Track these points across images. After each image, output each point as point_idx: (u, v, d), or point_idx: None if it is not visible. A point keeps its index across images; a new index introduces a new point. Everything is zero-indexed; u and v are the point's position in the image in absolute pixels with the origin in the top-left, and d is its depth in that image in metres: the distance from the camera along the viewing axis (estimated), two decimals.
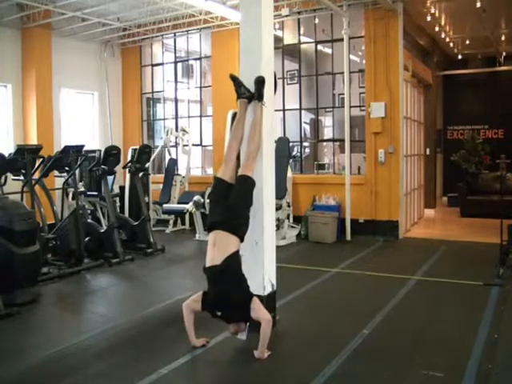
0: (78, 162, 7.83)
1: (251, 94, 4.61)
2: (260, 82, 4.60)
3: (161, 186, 10.72)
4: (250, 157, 4.52)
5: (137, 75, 11.99)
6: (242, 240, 4.32)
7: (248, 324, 4.31)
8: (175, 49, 11.70)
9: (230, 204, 4.33)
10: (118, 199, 10.10)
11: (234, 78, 4.67)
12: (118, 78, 11.94)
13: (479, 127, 14.35)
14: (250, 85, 4.63)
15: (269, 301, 4.67)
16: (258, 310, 4.12)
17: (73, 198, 8.50)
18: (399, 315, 5.15)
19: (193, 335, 4.30)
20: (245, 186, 4.44)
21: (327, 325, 4.93)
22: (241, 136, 4.63)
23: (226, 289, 4.13)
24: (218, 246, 4.18)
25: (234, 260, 4.19)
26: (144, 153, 8.76)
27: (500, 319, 4.94)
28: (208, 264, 4.20)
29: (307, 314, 5.31)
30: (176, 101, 11.80)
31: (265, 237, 4.68)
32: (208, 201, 4.65)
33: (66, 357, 4.22)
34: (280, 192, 8.36)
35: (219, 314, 4.16)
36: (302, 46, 10.32)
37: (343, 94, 9.56)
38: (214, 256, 4.17)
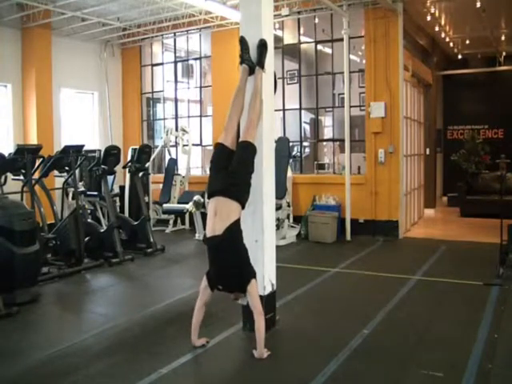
0: (78, 162, 7.83)
1: (253, 64, 4.58)
2: (262, 45, 4.57)
3: (161, 185, 10.72)
4: (251, 124, 4.45)
5: (137, 75, 11.98)
6: (243, 207, 4.25)
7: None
8: (175, 49, 11.70)
9: (230, 170, 4.26)
10: (117, 199, 10.11)
11: (243, 42, 4.61)
12: (117, 78, 11.94)
13: (479, 127, 14.35)
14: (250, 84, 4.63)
15: (269, 301, 4.66)
16: (252, 297, 4.09)
17: (73, 198, 8.50)
18: (399, 315, 5.15)
19: (196, 333, 4.29)
20: (246, 151, 4.37)
21: (327, 324, 4.93)
22: (241, 104, 4.56)
23: (226, 258, 4.10)
24: (219, 215, 4.11)
25: (234, 230, 4.13)
26: (144, 153, 8.76)
27: (500, 319, 4.94)
28: (209, 234, 4.14)
29: (307, 313, 5.31)
30: (176, 101, 11.80)
31: (265, 236, 4.67)
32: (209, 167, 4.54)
33: (66, 356, 4.22)
34: (280, 192, 8.36)
35: (220, 287, 4.16)
36: (302, 46, 10.32)
37: (343, 93, 9.56)
38: (215, 225, 4.10)
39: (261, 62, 4.58)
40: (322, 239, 8.92)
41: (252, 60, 4.60)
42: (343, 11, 9.00)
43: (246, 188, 4.32)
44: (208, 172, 4.66)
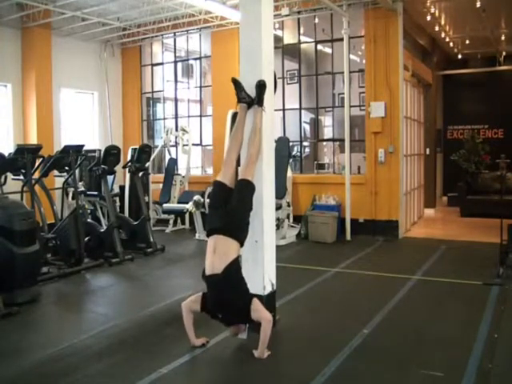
0: (78, 162, 7.83)
1: (251, 100, 4.60)
2: (261, 86, 4.58)
3: (161, 185, 10.72)
4: (250, 161, 4.49)
5: (137, 75, 11.98)
6: (241, 245, 4.31)
7: (247, 325, 4.32)
8: (175, 48, 11.70)
9: (229, 208, 4.29)
10: (117, 199, 10.10)
11: (236, 82, 4.63)
12: (117, 78, 11.94)
13: (479, 127, 14.35)
14: (249, 85, 4.62)
15: (269, 300, 4.66)
16: (259, 311, 4.12)
17: (73, 198, 8.50)
18: (399, 315, 5.15)
19: (192, 335, 4.31)
20: (245, 190, 4.40)
21: (327, 324, 4.93)
22: (240, 140, 4.61)
23: (227, 296, 4.12)
24: (217, 252, 4.14)
25: (234, 268, 4.15)
26: (144, 152, 8.75)
27: (500, 319, 4.93)
28: (208, 272, 4.16)
29: (307, 313, 5.31)
30: (176, 100, 11.80)
31: (265, 236, 4.67)
32: (207, 203, 4.56)
33: (66, 356, 4.22)
34: (280, 192, 8.36)
35: (220, 316, 4.19)
36: (302, 46, 10.32)
37: (343, 93, 9.56)
38: (214, 263, 4.13)
39: (260, 101, 4.59)
40: (321, 239, 8.92)
41: (249, 95, 4.60)
42: (343, 11, 9.00)
43: (245, 226, 4.35)
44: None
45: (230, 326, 4.32)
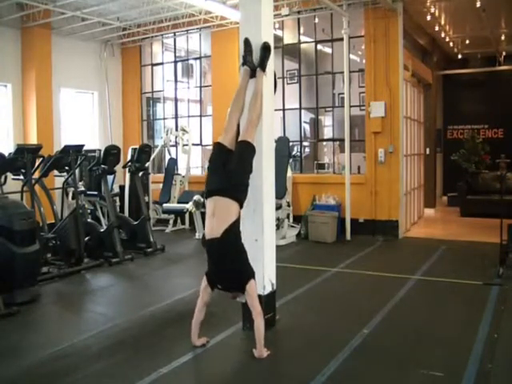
0: (78, 162, 7.83)
1: (255, 67, 4.57)
2: (266, 48, 4.55)
3: (161, 185, 10.72)
4: (251, 124, 4.43)
5: (137, 75, 11.98)
6: (241, 206, 4.24)
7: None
8: (175, 48, 11.69)
9: (229, 169, 4.23)
10: (117, 199, 10.10)
11: (248, 44, 4.60)
12: (117, 78, 11.94)
13: (479, 127, 14.35)
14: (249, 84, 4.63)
15: (269, 300, 4.67)
16: (251, 297, 4.09)
17: (73, 198, 8.50)
18: (399, 315, 5.16)
19: (196, 333, 4.29)
20: (245, 151, 4.35)
21: (327, 324, 4.93)
22: (242, 104, 4.55)
23: (225, 261, 4.10)
24: (217, 215, 4.10)
25: (233, 231, 4.11)
26: (144, 152, 8.75)
27: (500, 319, 4.93)
28: (207, 236, 4.13)
29: (307, 313, 5.31)
30: (176, 100, 11.80)
31: (265, 236, 4.67)
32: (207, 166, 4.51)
33: (66, 356, 4.22)
34: (280, 191, 8.35)
35: (220, 287, 4.17)
36: (302, 46, 10.32)
37: (343, 93, 9.56)
38: (213, 226, 4.09)
39: (263, 65, 4.57)
40: (321, 239, 8.92)
41: (254, 62, 4.58)
42: (343, 11, 9.00)
43: (244, 188, 4.30)
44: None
45: (230, 292, 4.27)
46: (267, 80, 4.65)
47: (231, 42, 10.19)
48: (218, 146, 4.43)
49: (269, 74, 4.72)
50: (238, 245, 4.21)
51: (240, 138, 4.41)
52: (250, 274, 4.16)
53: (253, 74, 4.61)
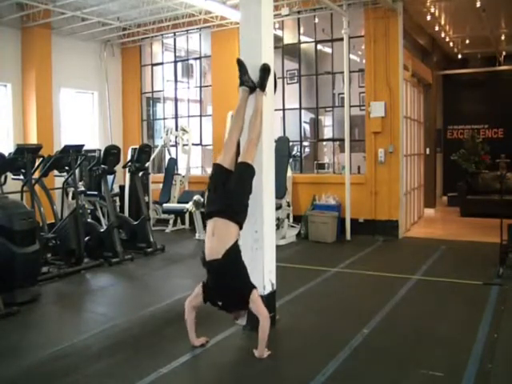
0: (78, 162, 7.83)
1: (254, 84, 4.58)
2: (265, 70, 4.55)
3: (161, 185, 10.72)
4: (251, 144, 4.45)
5: (137, 75, 11.98)
6: (241, 227, 4.25)
7: (247, 311, 4.29)
8: (175, 48, 11.69)
9: (228, 190, 4.24)
10: (117, 199, 10.10)
11: (241, 64, 4.60)
12: (117, 78, 11.94)
13: (479, 127, 14.34)
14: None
15: (269, 300, 4.66)
16: (257, 304, 4.10)
17: (73, 198, 8.50)
18: (399, 315, 5.16)
19: (193, 334, 4.30)
20: (245, 172, 4.35)
21: (327, 324, 4.93)
22: (241, 124, 4.56)
23: (227, 281, 4.10)
24: (217, 236, 4.11)
25: (233, 252, 4.12)
26: (144, 152, 8.75)
27: (500, 319, 4.94)
28: (208, 257, 4.13)
29: (307, 313, 5.31)
30: (176, 100, 11.80)
31: (265, 236, 4.67)
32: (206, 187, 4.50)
33: (65, 356, 4.22)
34: (280, 191, 8.36)
35: (220, 304, 4.17)
36: (302, 46, 10.32)
37: (343, 93, 9.56)
38: (213, 247, 4.09)
39: (262, 86, 4.58)
40: (321, 239, 8.92)
41: (252, 80, 4.58)
42: (343, 11, 9.00)
43: (244, 208, 4.30)
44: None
45: (231, 312, 4.28)
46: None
47: (231, 42, 10.19)
48: (217, 167, 4.43)
49: (269, 75, 4.72)
50: (239, 263, 4.21)
51: (240, 159, 4.43)
52: (250, 286, 4.18)
53: (251, 92, 4.61)
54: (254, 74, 4.61)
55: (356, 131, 10.39)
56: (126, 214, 9.65)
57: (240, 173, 4.35)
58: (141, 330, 4.85)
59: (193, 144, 11.02)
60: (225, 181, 4.30)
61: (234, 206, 4.25)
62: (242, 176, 4.34)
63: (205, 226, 4.38)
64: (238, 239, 4.24)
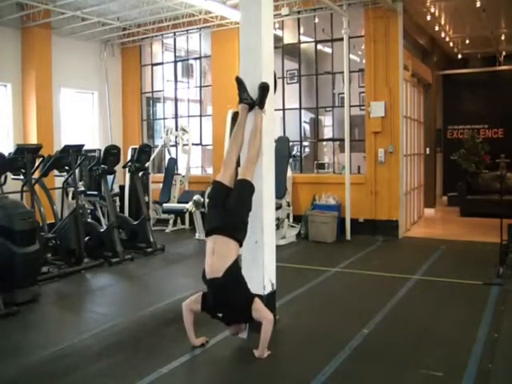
0: (78, 162, 7.83)
1: (253, 102, 4.60)
2: (264, 88, 4.57)
3: (161, 185, 10.72)
4: (250, 162, 4.48)
5: (137, 75, 11.98)
6: (240, 245, 4.29)
7: (247, 324, 4.32)
8: (175, 48, 11.69)
9: (228, 208, 4.27)
10: (117, 199, 10.10)
11: (240, 82, 4.62)
12: (117, 78, 11.94)
13: (479, 127, 14.34)
14: (249, 85, 4.62)
15: (269, 300, 4.66)
16: (260, 310, 4.12)
17: (73, 198, 8.50)
18: (399, 315, 5.16)
19: (192, 334, 4.31)
20: (244, 190, 4.38)
21: (327, 324, 4.93)
22: (241, 141, 4.60)
23: (228, 297, 4.12)
24: (217, 254, 4.12)
25: (234, 269, 4.14)
26: (144, 152, 8.75)
27: (500, 319, 4.94)
28: (208, 275, 4.13)
29: (307, 313, 5.31)
30: (176, 100, 11.80)
31: (265, 236, 4.67)
32: (207, 203, 4.53)
33: (65, 356, 4.22)
34: (280, 191, 8.36)
35: (220, 315, 4.18)
36: (302, 46, 10.32)
37: (343, 93, 9.56)
38: (214, 265, 4.10)
39: (261, 103, 4.59)
40: (321, 239, 8.92)
41: (251, 97, 4.60)
42: (343, 11, 9.00)
43: (243, 226, 4.32)
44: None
45: (230, 325, 4.31)
46: (267, 79, 4.65)
47: (231, 42, 10.19)
48: (217, 185, 4.45)
49: (269, 75, 4.72)
50: (239, 280, 4.22)
51: (239, 176, 4.46)
52: (250, 298, 4.18)
53: (250, 109, 4.62)
54: (255, 77, 4.62)
55: (356, 131, 10.39)
56: (126, 213, 9.66)
57: (239, 190, 4.38)
58: (141, 329, 4.85)
59: (193, 144, 11.02)
60: (224, 198, 4.32)
61: (234, 223, 4.27)
62: (241, 193, 4.37)
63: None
64: (239, 257, 4.26)
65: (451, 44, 12.72)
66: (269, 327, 4.06)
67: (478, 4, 9.09)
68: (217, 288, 4.11)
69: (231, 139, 4.66)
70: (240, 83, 4.62)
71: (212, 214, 4.44)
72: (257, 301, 4.16)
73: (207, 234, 4.32)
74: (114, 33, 11.08)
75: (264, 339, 4.05)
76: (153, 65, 11.94)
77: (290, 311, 5.21)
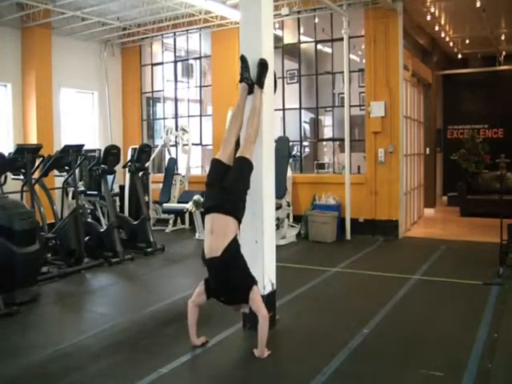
0: (78, 162, 7.83)
1: (253, 83, 4.58)
2: (263, 65, 4.56)
3: (161, 185, 10.72)
4: (249, 140, 4.45)
5: (137, 75, 11.98)
6: (239, 222, 4.24)
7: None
8: (175, 48, 11.69)
9: (227, 185, 4.23)
10: (117, 198, 10.10)
11: (244, 60, 4.61)
12: (117, 78, 11.94)
13: (479, 126, 14.33)
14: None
15: (269, 300, 4.66)
16: (256, 303, 4.10)
17: (73, 198, 8.50)
18: (399, 314, 5.16)
19: (194, 334, 4.30)
20: (243, 167, 4.35)
21: (327, 324, 4.93)
22: (240, 120, 4.57)
23: (227, 277, 4.09)
24: (215, 232, 4.09)
25: (232, 248, 4.10)
26: (144, 152, 8.76)
27: (500, 319, 4.94)
28: (207, 255, 4.11)
29: (307, 313, 5.31)
30: (176, 100, 11.80)
31: (265, 236, 4.67)
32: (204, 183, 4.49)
33: (65, 356, 4.22)
34: (280, 191, 8.36)
35: (222, 299, 4.18)
36: (302, 46, 10.32)
37: (343, 93, 9.56)
38: (213, 244, 4.08)
39: (260, 82, 4.58)
40: (321, 239, 8.92)
41: (252, 79, 4.59)
42: (343, 11, 9.00)
43: (242, 204, 4.29)
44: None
45: (232, 305, 4.28)
46: (267, 79, 4.65)
47: (231, 42, 10.19)
48: (215, 162, 4.43)
49: (269, 74, 4.72)
50: (238, 259, 4.20)
51: (238, 154, 4.43)
52: (251, 281, 4.17)
53: (250, 90, 4.61)
54: (254, 74, 4.60)
55: (356, 131, 10.39)
56: (126, 213, 9.65)
57: (238, 168, 4.34)
58: (141, 329, 4.85)
59: (193, 144, 11.02)
60: (223, 176, 4.29)
61: (233, 201, 4.23)
62: (240, 170, 4.33)
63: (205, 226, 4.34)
64: (238, 234, 4.22)
65: (451, 44, 12.71)
66: (264, 324, 4.04)
67: (478, 4, 9.09)
68: (216, 267, 4.09)
69: (231, 119, 4.63)
70: (244, 61, 4.61)
71: (210, 192, 4.39)
72: (255, 290, 4.12)
73: (205, 212, 4.27)
74: (113, 33, 11.07)
75: (261, 337, 4.04)
76: (153, 65, 11.94)
77: (290, 311, 5.21)
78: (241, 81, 4.62)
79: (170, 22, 10.34)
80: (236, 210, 4.23)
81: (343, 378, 3.77)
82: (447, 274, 6.60)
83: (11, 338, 4.69)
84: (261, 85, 4.58)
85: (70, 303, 5.97)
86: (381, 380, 3.75)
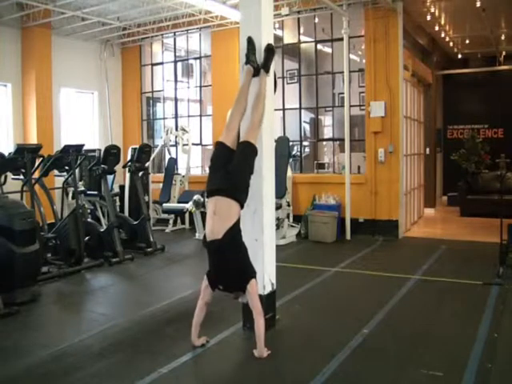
0: (78, 162, 7.83)
1: (258, 66, 4.57)
2: (269, 50, 4.57)
3: (161, 185, 10.72)
4: (253, 126, 4.41)
5: (137, 74, 11.98)
6: (242, 206, 4.22)
7: None
8: (175, 48, 11.69)
9: (230, 169, 4.20)
10: (117, 198, 10.10)
11: (251, 43, 4.59)
12: (117, 78, 11.94)
13: (479, 126, 14.34)
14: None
15: (269, 300, 4.67)
16: (252, 297, 4.08)
17: (73, 198, 8.50)
18: (399, 314, 5.16)
19: (196, 333, 4.29)
20: (246, 151, 4.31)
21: (327, 324, 4.93)
22: (244, 104, 4.51)
23: (226, 261, 4.09)
24: (217, 216, 4.07)
25: (234, 232, 4.09)
26: (144, 152, 8.76)
27: (500, 319, 4.94)
28: (208, 237, 4.10)
29: (307, 313, 5.31)
30: (176, 100, 11.80)
31: (265, 236, 4.67)
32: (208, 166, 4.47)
33: (65, 356, 4.22)
34: (280, 191, 8.36)
35: (221, 287, 4.16)
36: (302, 46, 10.32)
37: (343, 93, 9.56)
38: (214, 227, 4.06)
39: (266, 66, 4.58)
40: (321, 239, 8.92)
41: (257, 62, 4.58)
42: (343, 11, 9.00)
43: (245, 188, 4.26)
44: (208, 171, 4.62)
45: (231, 292, 4.25)
46: (267, 79, 4.65)
47: (231, 42, 10.19)
48: (219, 145, 4.39)
49: (269, 74, 4.72)
50: (239, 245, 4.18)
51: (242, 139, 4.38)
52: (251, 273, 4.15)
53: (255, 74, 4.59)
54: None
55: (356, 131, 10.39)
56: (126, 213, 9.64)
57: (242, 152, 4.30)
58: (141, 329, 4.85)
59: (193, 144, 11.03)
60: (226, 159, 4.26)
61: (237, 184, 4.21)
62: (243, 155, 4.29)
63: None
64: (239, 218, 4.20)
65: (451, 44, 12.72)
66: (259, 321, 4.03)
67: (478, 4, 9.10)
68: (216, 250, 4.08)
69: (234, 102, 4.54)
70: (251, 44, 4.59)
71: (214, 175, 4.34)
72: (253, 283, 4.10)
73: (208, 195, 4.25)
74: (113, 33, 11.08)
75: (258, 335, 4.03)
76: (153, 65, 11.94)
77: (290, 311, 5.21)
78: (247, 63, 4.59)
79: (169, 22, 10.34)
80: (239, 193, 4.21)
81: (343, 378, 3.77)
82: (447, 273, 6.61)
83: (11, 338, 4.69)
84: (267, 69, 4.58)
85: (70, 303, 5.98)
86: (381, 380, 3.75)
